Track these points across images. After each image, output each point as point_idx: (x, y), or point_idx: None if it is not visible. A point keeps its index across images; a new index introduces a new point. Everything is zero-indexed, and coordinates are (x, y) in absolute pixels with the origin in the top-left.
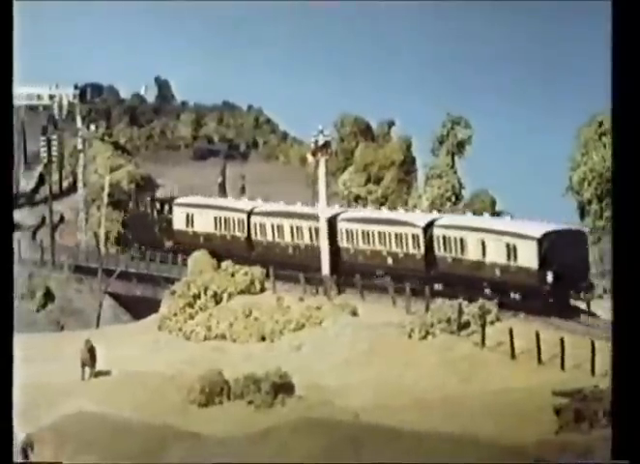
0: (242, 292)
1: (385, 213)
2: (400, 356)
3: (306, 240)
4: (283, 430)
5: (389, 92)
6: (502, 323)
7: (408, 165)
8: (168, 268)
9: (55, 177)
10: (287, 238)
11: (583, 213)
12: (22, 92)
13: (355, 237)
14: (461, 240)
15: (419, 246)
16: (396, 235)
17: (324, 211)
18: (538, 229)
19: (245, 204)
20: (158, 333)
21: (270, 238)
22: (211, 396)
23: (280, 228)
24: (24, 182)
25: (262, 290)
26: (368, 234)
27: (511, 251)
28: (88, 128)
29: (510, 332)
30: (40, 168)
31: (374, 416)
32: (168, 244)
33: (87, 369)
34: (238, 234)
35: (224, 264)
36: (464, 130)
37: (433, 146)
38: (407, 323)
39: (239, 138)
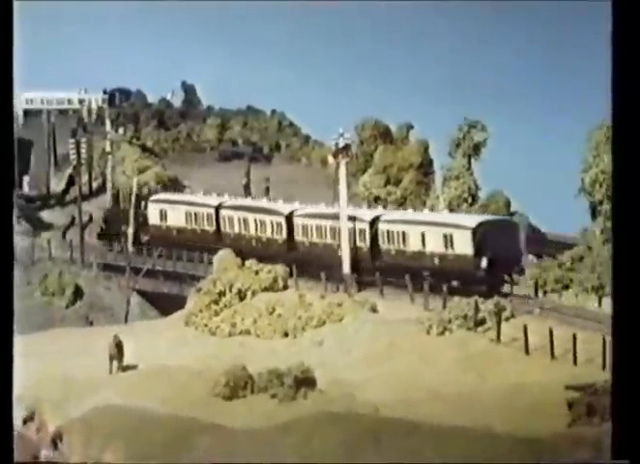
0: (265, 289)
1: (336, 209)
2: (419, 351)
3: (268, 233)
4: (305, 423)
5: (407, 96)
6: (516, 319)
7: (426, 167)
8: (194, 266)
9: (84, 178)
10: (252, 231)
11: (595, 213)
12: (52, 96)
13: (310, 231)
14: (403, 233)
15: (365, 240)
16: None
17: (344, 211)
18: (472, 220)
19: (213, 199)
20: (184, 329)
21: (237, 230)
22: (235, 390)
23: (246, 221)
24: (54, 183)
25: (285, 288)
26: (321, 228)
27: (448, 241)
28: (116, 131)
29: (525, 328)
30: (69, 170)
31: (393, 409)
32: (145, 238)
33: (115, 363)
34: (207, 227)
35: (248, 262)
36: (480, 133)
37: (450, 149)
38: (425, 319)
39: (263, 141)
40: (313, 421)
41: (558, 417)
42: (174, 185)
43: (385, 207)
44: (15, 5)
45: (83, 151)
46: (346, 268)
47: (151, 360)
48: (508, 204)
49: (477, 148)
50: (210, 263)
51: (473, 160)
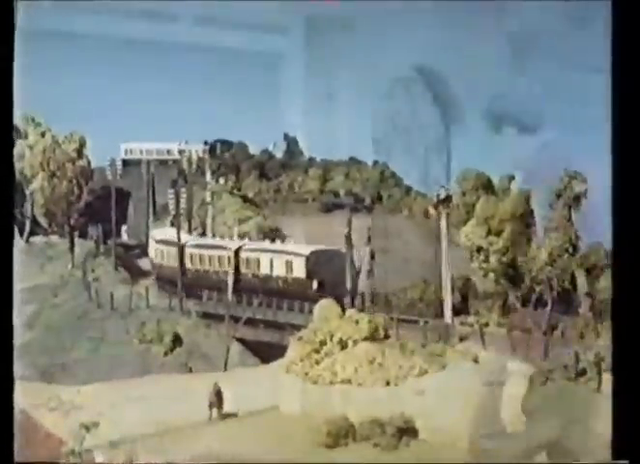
0: (366, 338)
1: (216, 241)
2: (520, 401)
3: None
4: None
5: (507, 148)
6: None
7: (527, 218)
8: (294, 315)
9: (184, 228)
10: (173, 261)
11: None
12: (152, 147)
13: (196, 258)
14: (257, 260)
15: (231, 265)
16: (219, 257)
17: (446, 262)
18: (306, 249)
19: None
20: (284, 377)
21: (159, 261)
22: (337, 439)
23: (169, 253)
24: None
25: (386, 337)
26: (202, 256)
27: (289, 266)
28: (217, 181)
29: None
30: (168, 219)
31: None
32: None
33: (214, 411)
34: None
35: (349, 312)
36: (580, 184)
37: (551, 200)
38: (526, 369)
39: (364, 192)
40: None
41: None
42: (276, 235)
43: (487, 257)
44: (118, 59)
45: (182, 201)
46: (447, 317)
47: (251, 407)
48: (607, 255)
49: (577, 199)
50: (310, 312)
51: (573, 211)
